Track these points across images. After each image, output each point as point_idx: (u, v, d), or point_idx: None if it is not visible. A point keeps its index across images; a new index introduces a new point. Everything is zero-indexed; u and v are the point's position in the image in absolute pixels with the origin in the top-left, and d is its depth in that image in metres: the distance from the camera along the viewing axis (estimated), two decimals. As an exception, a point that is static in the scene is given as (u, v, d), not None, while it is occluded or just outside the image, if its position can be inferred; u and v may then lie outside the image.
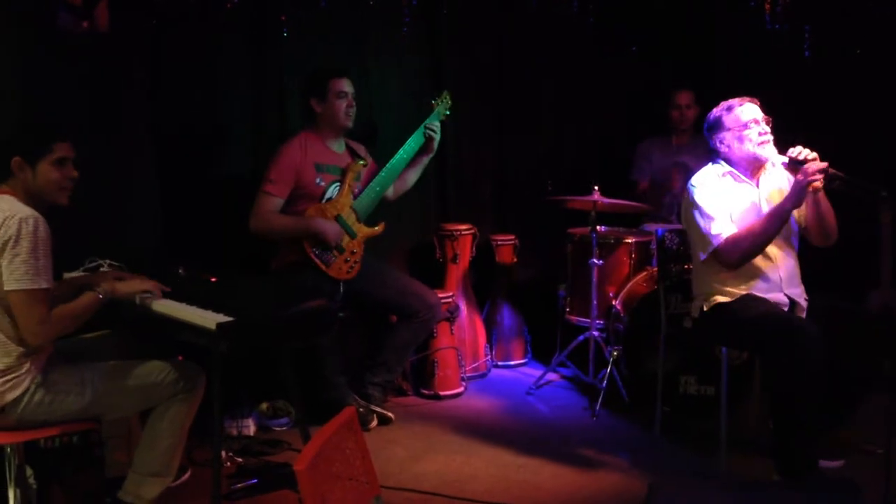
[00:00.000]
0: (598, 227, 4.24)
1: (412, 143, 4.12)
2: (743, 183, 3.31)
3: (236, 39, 4.14)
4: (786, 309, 3.27)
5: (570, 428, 3.97)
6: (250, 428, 3.83)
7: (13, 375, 2.60)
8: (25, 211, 2.57)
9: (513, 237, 4.95)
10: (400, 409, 4.20)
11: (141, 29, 3.81)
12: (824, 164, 3.06)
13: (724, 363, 3.45)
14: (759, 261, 3.24)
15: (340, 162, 4.01)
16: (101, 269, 3.20)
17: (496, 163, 5.15)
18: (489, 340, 4.86)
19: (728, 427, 3.42)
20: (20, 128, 2.84)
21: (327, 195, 3.94)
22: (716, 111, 3.34)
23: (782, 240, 3.26)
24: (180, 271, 3.16)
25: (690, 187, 3.34)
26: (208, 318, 2.70)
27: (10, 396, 2.59)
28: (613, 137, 5.23)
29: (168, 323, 2.83)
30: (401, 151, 4.10)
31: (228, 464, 3.47)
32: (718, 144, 3.34)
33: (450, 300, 4.46)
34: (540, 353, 5.00)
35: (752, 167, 3.32)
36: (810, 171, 3.04)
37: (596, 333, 4.29)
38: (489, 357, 4.85)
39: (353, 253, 3.93)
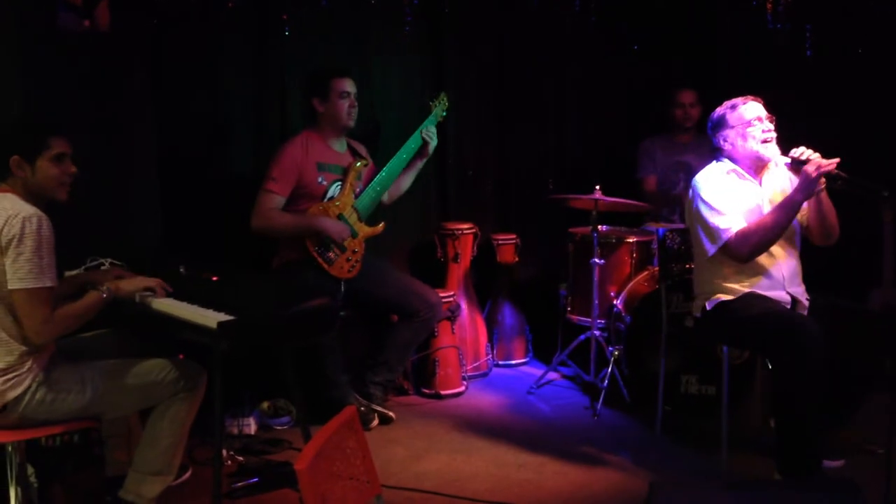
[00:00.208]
0: (599, 227, 4.24)
1: (412, 143, 4.12)
2: (746, 181, 3.32)
3: (237, 39, 4.14)
4: (787, 307, 3.27)
5: (572, 427, 3.97)
6: (251, 427, 3.83)
7: (15, 374, 2.60)
8: (28, 209, 2.57)
9: (514, 236, 4.95)
10: (401, 408, 4.20)
11: (142, 28, 3.80)
12: (833, 162, 3.06)
13: (725, 363, 3.45)
14: (762, 258, 3.24)
15: (342, 161, 4.02)
16: (102, 267, 3.21)
17: (497, 162, 5.14)
18: (490, 340, 4.86)
19: (729, 426, 3.42)
20: (16, 126, 2.85)
21: (329, 194, 3.94)
22: (720, 109, 3.35)
23: (785, 239, 3.26)
24: (181, 270, 3.16)
25: (695, 184, 3.34)
26: (209, 317, 2.70)
27: (12, 395, 2.59)
28: (615, 136, 5.22)
29: (169, 322, 2.83)
30: (401, 151, 4.11)
31: (229, 462, 3.48)
32: (722, 142, 3.34)
33: (451, 299, 4.46)
34: (541, 353, 5.00)
35: (755, 166, 3.32)
36: (822, 163, 3.04)
37: (597, 333, 4.28)
38: (490, 356, 4.84)
39: (354, 252, 3.94)
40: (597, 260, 4.23)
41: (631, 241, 4.43)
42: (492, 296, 4.97)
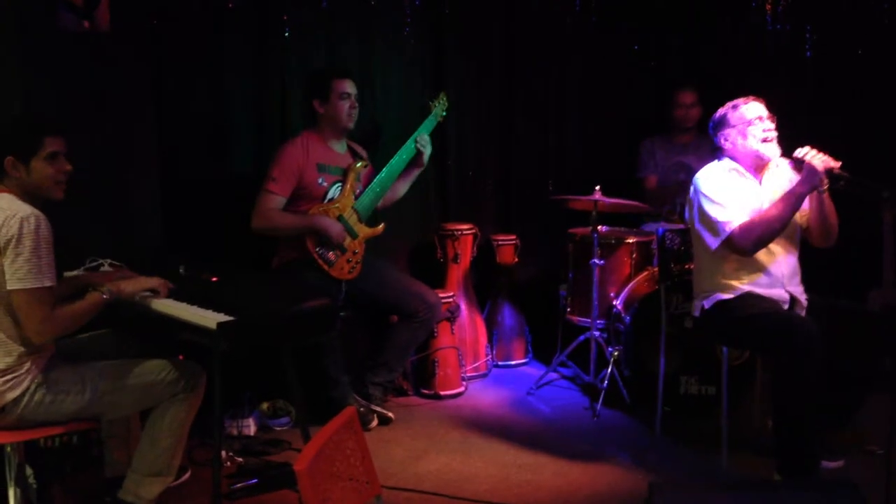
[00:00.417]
0: (599, 227, 4.24)
1: (411, 143, 4.13)
2: (747, 179, 3.33)
3: (238, 39, 4.13)
4: (786, 306, 3.28)
5: (571, 428, 3.97)
6: (251, 427, 3.83)
7: (14, 375, 2.60)
8: (26, 209, 2.56)
9: (514, 237, 4.94)
10: (400, 408, 4.20)
11: (142, 29, 3.80)
12: (838, 163, 3.08)
13: (724, 363, 3.45)
14: (762, 255, 3.25)
15: (342, 162, 4.01)
16: (102, 268, 3.21)
17: (497, 162, 5.14)
18: (490, 340, 4.86)
19: (729, 427, 3.42)
20: (9, 126, 2.84)
21: (329, 195, 3.94)
22: (722, 109, 3.38)
23: (785, 236, 3.27)
24: (181, 270, 3.16)
25: (696, 181, 3.35)
26: (209, 318, 2.69)
27: (11, 396, 2.59)
28: (615, 136, 5.22)
29: (169, 322, 2.83)
30: (401, 151, 4.11)
31: (229, 463, 3.47)
32: (723, 141, 3.36)
33: (450, 300, 4.46)
34: (541, 353, 5.00)
35: (756, 164, 3.33)
36: (827, 159, 3.07)
37: (597, 333, 4.28)
38: (490, 357, 4.84)
39: (354, 253, 3.94)
40: (596, 260, 4.23)
41: (630, 241, 4.43)
42: (491, 296, 4.96)
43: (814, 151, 3.11)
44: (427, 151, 4.16)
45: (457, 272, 4.72)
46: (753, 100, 3.32)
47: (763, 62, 4.80)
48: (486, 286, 4.95)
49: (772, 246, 3.24)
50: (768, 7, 4.79)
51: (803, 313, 3.29)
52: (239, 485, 3.25)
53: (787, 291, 3.29)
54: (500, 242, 4.91)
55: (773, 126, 3.27)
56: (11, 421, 2.62)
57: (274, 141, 4.13)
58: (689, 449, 3.64)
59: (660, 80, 5.14)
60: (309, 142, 3.92)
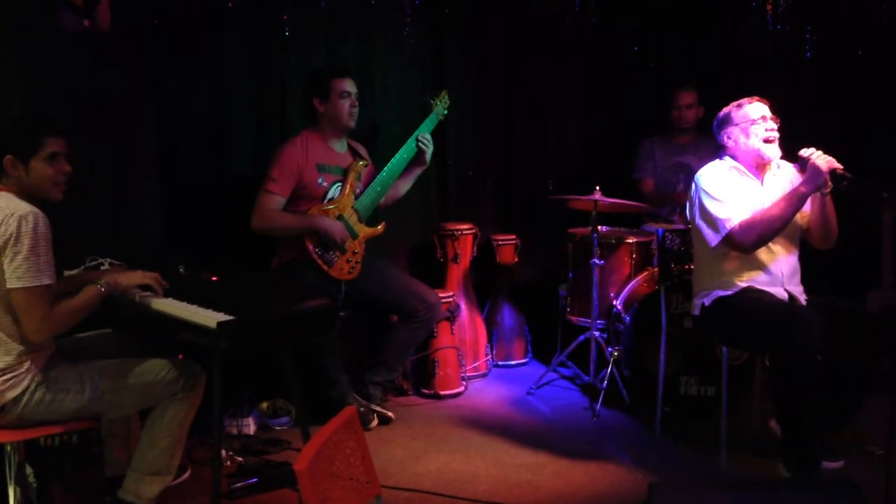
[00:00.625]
0: (599, 227, 4.24)
1: (412, 142, 4.12)
2: (747, 178, 3.34)
3: (238, 39, 4.13)
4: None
5: (571, 428, 3.97)
6: (250, 427, 3.83)
7: (13, 374, 2.60)
8: (24, 208, 2.56)
9: (514, 237, 4.95)
10: (400, 408, 4.20)
11: (142, 28, 3.80)
12: (840, 166, 3.10)
13: (724, 364, 3.45)
14: (762, 253, 3.26)
15: (342, 162, 4.01)
16: (102, 267, 3.21)
17: (497, 162, 5.14)
18: (490, 340, 4.86)
19: (728, 427, 3.42)
20: (9, 126, 2.84)
21: (329, 195, 3.94)
22: (726, 108, 3.40)
23: (785, 235, 3.28)
24: (181, 270, 3.16)
25: (697, 179, 3.37)
26: (209, 317, 2.69)
27: (11, 395, 2.59)
28: (615, 136, 5.22)
29: (168, 321, 2.83)
30: (401, 150, 4.11)
31: (228, 463, 3.47)
32: (725, 140, 3.38)
33: (450, 300, 4.46)
34: (540, 353, 5.00)
35: (757, 164, 3.34)
36: (832, 160, 3.09)
37: (597, 333, 4.28)
38: (490, 357, 4.84)
39: (354, 253, 3.93)
40: (596, 260, 4.23)
41: (630, 241, 4.43)
42: (491, 296, 4.97)
43: (819, 152, 3.13)
44: (429, 150, 4.16)
45: (457, 272, 4.72)
46: (758, 100, 3.35)
47: (763, 63, 4.81)
48: (486, 286, 4.95)
49: (772, 245, 3.25)
50: (768, 7, 4.79)
51: (802, 313, 3.30)
52: (239, 484, 3.25)
53: (786, 290, 3.30)
54: (499, 242, 4.92)
55: (775, 127, 3.29)
56: (11, 420, 2.62)
57: (274, 141, 4.13)
58: (689, 449, 3.64)
59: (659, 81, 5.15)
60: (309, 141, 3.92)
